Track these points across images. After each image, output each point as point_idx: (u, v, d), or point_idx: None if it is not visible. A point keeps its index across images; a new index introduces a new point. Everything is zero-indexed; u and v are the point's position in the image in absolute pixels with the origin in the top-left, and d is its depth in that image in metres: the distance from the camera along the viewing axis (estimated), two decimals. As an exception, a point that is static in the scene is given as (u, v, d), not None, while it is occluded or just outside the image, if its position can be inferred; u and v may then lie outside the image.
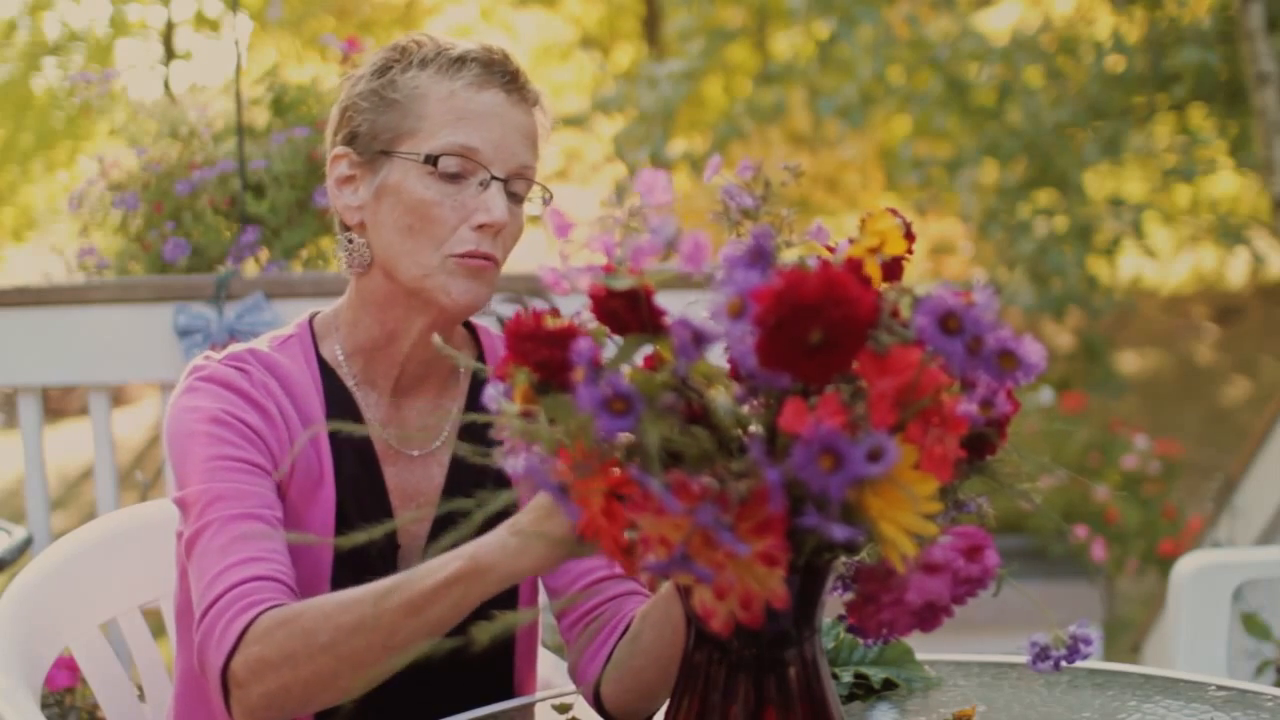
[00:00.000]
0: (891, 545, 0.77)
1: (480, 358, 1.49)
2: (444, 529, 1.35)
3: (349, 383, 1.42)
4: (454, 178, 1.34)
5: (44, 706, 1.75)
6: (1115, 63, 7.90)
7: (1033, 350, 0.80)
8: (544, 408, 0.86)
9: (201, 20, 11.66)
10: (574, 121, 9.64)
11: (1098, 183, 8.49)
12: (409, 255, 1.35)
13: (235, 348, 1.40)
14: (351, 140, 1.39)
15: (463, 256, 1.34)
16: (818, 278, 0.75)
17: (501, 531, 1.09)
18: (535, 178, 1.39)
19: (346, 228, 1.40)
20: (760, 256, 0.80)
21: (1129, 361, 10.29)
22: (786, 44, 9.92)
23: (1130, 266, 10.35)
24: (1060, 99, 7.79)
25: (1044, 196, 8.20)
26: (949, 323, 0.79)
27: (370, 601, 1.13)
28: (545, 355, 0.86)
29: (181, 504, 1.32)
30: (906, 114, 8.59)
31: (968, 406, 0.82)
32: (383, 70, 1.38)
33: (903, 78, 8.14)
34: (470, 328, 1.51)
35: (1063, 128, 7.75)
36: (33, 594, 1.44)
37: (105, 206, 2.83)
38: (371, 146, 1.37)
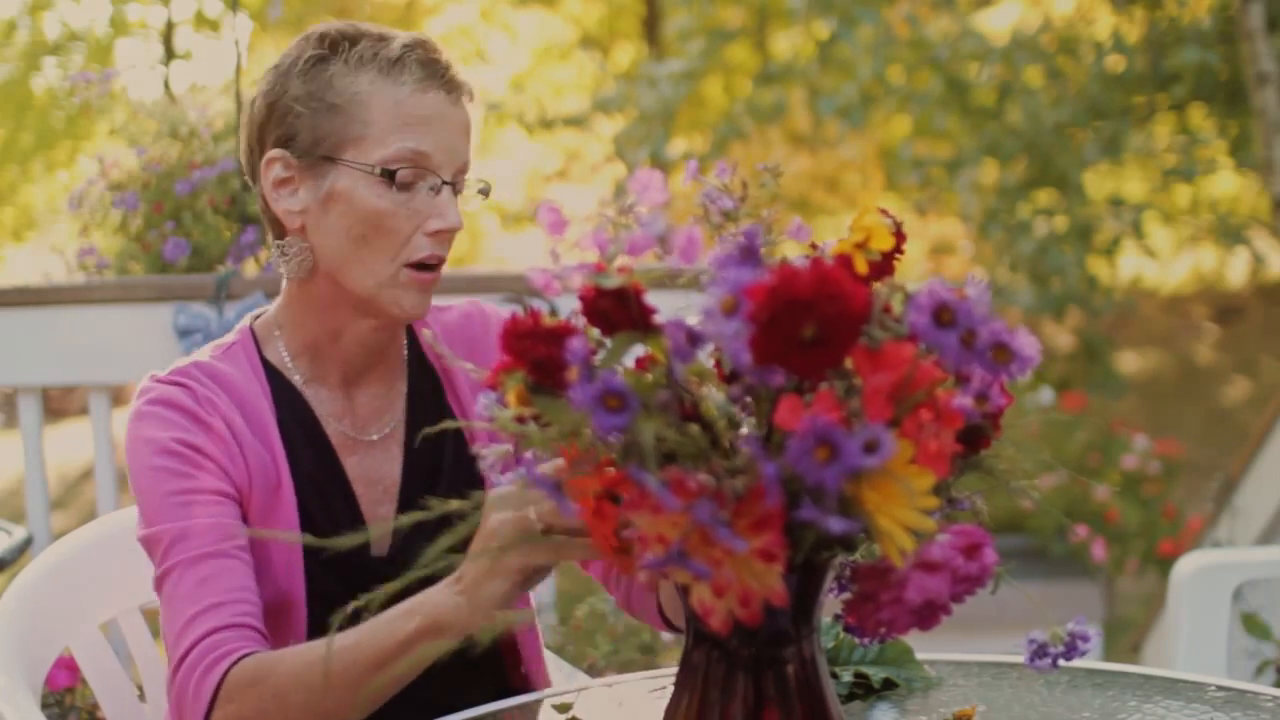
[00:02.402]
0: (889, 540, 0.77)
1: (412, 342, 1.50)
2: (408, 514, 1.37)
3: (297, 381, 1.42)
4: (405, 185, 1.33)
5: (44, 706, 1.75)
6: (1115, 63, 7.88)
7: (1026, 343, 0.80)
8: (539, 409, 0.86)
9: (201, 20, 11.64)
10: (574, 121, 9.63)
11: (1098, 183, 8.47)
12: (362, 264, 1.34)
13: (180, 361, 1.39)
14: (287, 142, 1.35)
15: (418, 267, 1.35)
16: (810, 273, 0.75)
17: (451, 589, 1.14)
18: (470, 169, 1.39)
19: (281, 231, 1.39)
20: (751, 254, 0.80)
21: (1129, 361, 10.28)
22: (786, 44, 9.90)
23: (1130, 266, 10.33)
24: (1060, 99, 7.77)
25: (1044, 196, 8.18)
26: (942, 316, 0.79)
27: (336, 660, 1.18)
28: (543, 353, 0.86)
29: (145, 543, 1.33)
30: (906, 114, 8.57)
31: (962, 400, 0.82)
32: (314, 68, 1.34)
33: (903, 78, 8.12)
34: None
35: (1063, 128, 7.73)
36: (33, 594, 1.44)
37: (105, 206, 2.83)
38: (313, 151, 1.34)
